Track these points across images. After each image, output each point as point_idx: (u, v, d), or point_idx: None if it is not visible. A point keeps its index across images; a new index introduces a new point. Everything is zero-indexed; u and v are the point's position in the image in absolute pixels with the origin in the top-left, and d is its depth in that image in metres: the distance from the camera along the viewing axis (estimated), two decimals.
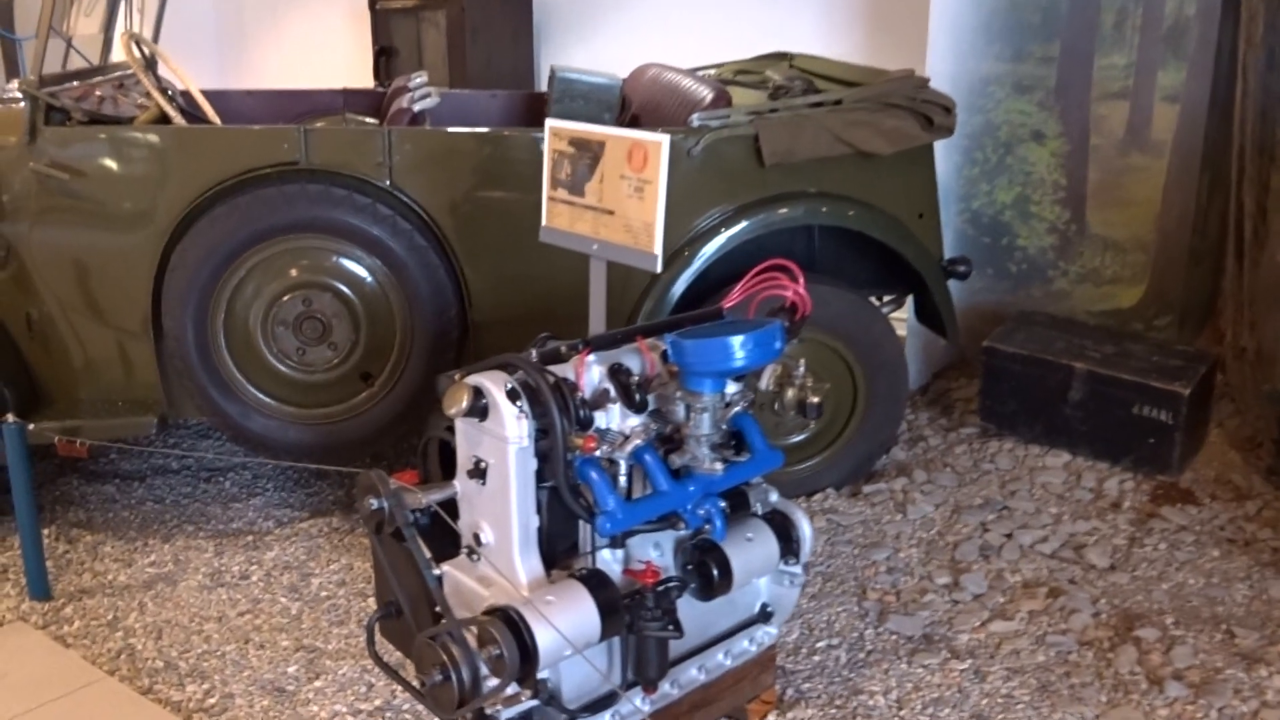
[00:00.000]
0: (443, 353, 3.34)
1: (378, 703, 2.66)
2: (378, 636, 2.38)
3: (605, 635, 1.96)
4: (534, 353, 2.07)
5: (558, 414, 1.93)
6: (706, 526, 2.17)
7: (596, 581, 1.98)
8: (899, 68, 4.17)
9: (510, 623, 1.86)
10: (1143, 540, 3.36)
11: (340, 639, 2.93)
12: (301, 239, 3.20)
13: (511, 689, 1.93)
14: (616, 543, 2.14)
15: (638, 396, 2.07)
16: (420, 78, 4.05)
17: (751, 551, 2.24)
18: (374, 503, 2.10)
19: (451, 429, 2.25)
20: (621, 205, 2.00)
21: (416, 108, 3.46)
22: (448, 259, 3.30)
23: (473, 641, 1.96)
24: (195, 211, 3.14)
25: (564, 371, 2.08)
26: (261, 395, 3.29)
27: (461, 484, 2.11)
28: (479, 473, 2.02)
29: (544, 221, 2.19)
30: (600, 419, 2.06)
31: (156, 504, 3.70)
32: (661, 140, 1.90)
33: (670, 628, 2.06)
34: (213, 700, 2.69)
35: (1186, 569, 3.21)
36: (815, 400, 2.18)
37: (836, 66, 4.18)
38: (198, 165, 3.15)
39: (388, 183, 3.22)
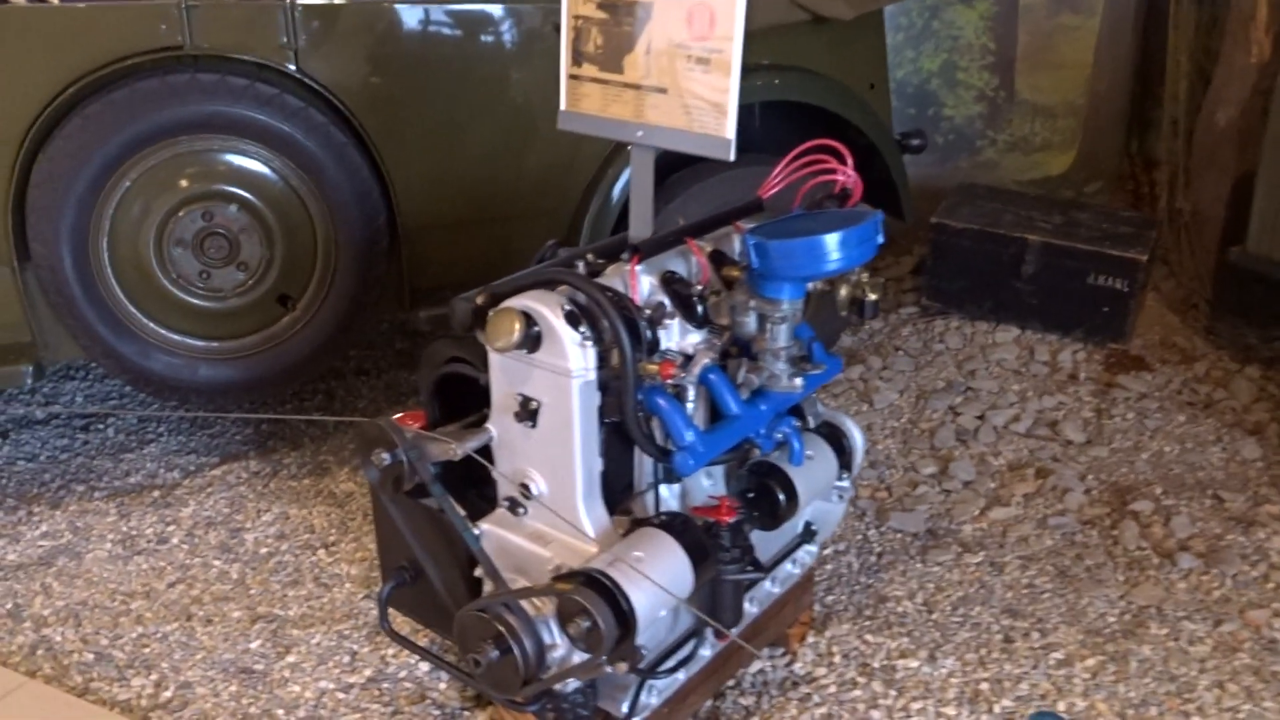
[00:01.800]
0: (372, 266, 2.91)
1: (368, 673, 2.33)
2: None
3: (698, 586, 1.70)
4: (581, 265, 1.73)
5: (627, 338, 1.61)
6: (776, 451, 1.92)
7: (681, 526, 1.70)
8: None
9: (600, 588, 1.57)
10: (1110, 411, 3.34)
11: (300, 603, 2.56)
12: (195, 140, 2.67)
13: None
14: (673, 476, 1.86)
15: (699, 308, 1.77)
16: None
17: (813, 470, 2.01)
18: (387, 457, 1.74)
19: (464, 360, 1.90)
20: (678, 81, 1.65)
21: None
22: (370, 157, 2.85)
23: (532, 610, 1.67)
24: (58, 112, 2.56)
25: (610, 284, 1.75)
26: (162, 329, 2.78)
27: (499, 427, 1.78)
28: (529, 414, 1.69)
29: (563, 105, 1.82)
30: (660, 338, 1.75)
31: (30, 463, 3.16)
32: None
33: (751, 567, 1.82)
34: (168, 693, 2.29)
35: (1159, 437, 3.20)
36: (874, 298, 1.93)
37: None
38: (53, 54, 2.54)
39: (294, 67, 2.71)
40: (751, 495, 1.96)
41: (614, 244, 1.96)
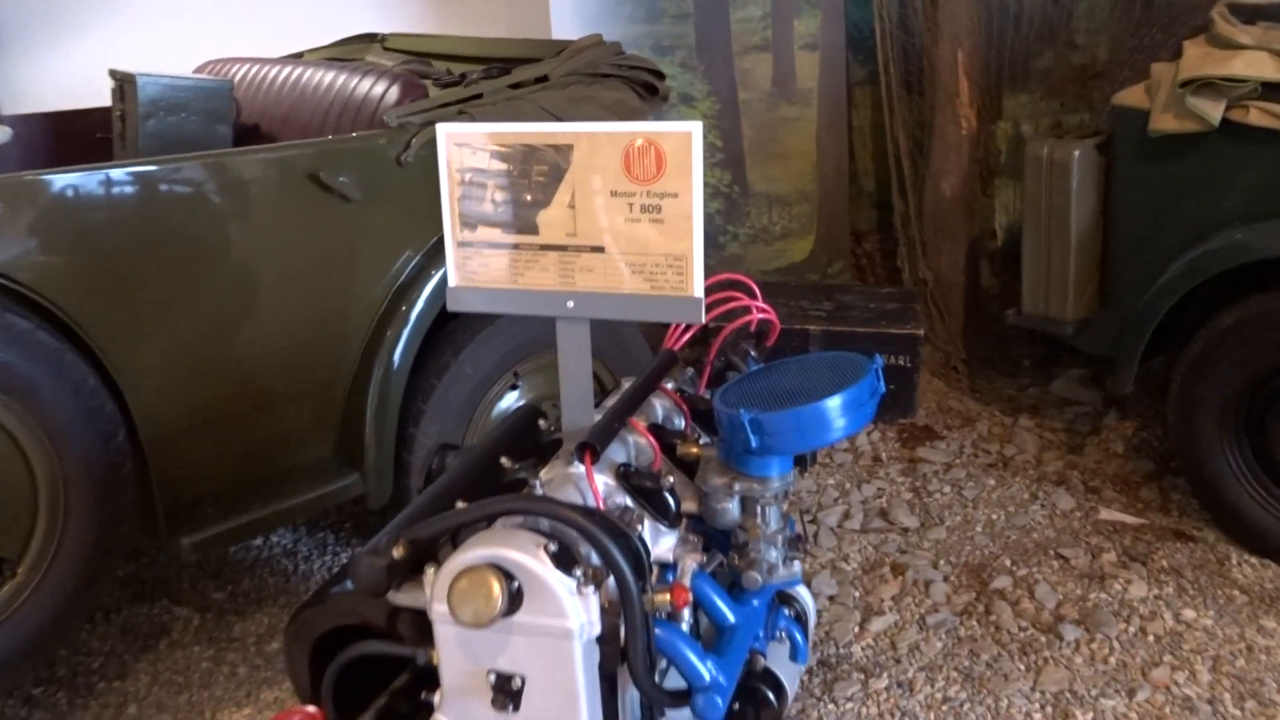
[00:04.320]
0: (116, 497, 2.27)
1: None
2: None
3: None
4: (536, 483, 1.34)
5: (629, 571, 1.24)
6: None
7: None
8: (514, 38, 3.71)
9: None
10: (926, 488, 3.33)
11: None
12: None
13: None
14: (659, 714, 1.49)
15: (671, 504, 1.43)
16: None
17: (786, 653, 1.72)
18: None
19: (369, 632, 1.43)
20: (621, 235, 1.33)
21: None
22: (95, 359, 2.23)
23: None
24: None
25: (562, 494, 1.37)
26: None
27: (458, 718, 1.32)
28: (509, 695, 1.26)
29: (453, 281, 1.42)
30: None
31: None
32: (692, 129, 1.28)
33: None
34: None
35: (982, 505, 3.22)
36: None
37: (451, 42, 3.60)
38: None
39: None
40: (737, 705, 1.62)
41: (512, 436, 1.58)
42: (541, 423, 1.62)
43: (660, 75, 3.08)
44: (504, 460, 1.48)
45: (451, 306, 1.43)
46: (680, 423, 1.67)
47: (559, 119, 2.83)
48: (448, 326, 2.78)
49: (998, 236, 3.95)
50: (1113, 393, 3.22)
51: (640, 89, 3.02)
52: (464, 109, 2.70)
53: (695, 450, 1.51)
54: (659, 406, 1.65)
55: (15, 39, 4.78)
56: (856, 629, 2.70)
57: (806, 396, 1.38)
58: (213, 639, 2.81)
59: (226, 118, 3.00)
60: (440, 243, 2.69)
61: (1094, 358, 3.75)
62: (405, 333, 2.66)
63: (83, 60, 4.69)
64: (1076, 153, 2.93)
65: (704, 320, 1.35)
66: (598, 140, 1.32)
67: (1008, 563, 2.93)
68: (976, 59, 3.70)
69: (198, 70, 3.65)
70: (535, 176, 1.35)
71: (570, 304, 1.38)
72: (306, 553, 3.22)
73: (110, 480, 2.24)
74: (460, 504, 1.37)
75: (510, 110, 2.75)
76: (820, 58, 3.92)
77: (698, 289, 1.33)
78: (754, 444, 1.35)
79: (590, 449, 1.38)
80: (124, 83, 2.93)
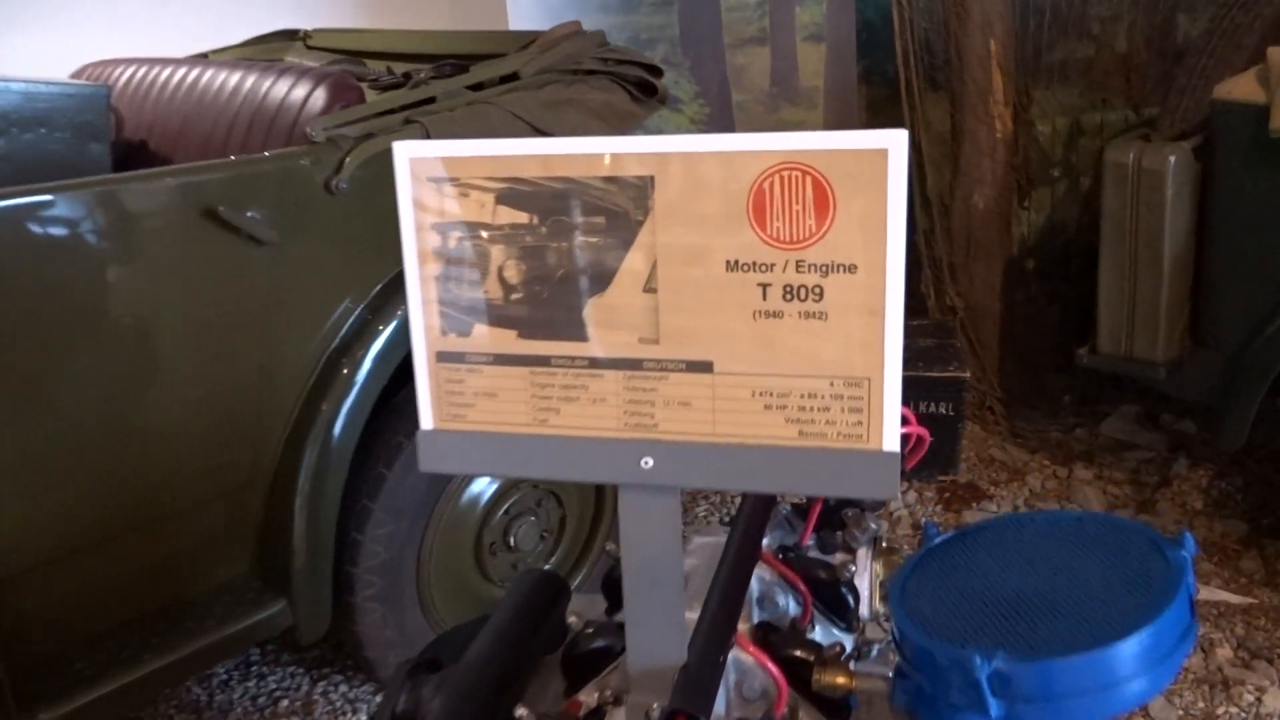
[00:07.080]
0: None
1: None
2: None
3: None
4: None
5: None
6: None
7: None
8: (468, 31, 3.09)
9: None
10: None
11: None
12: None
13: None
14: None
15: None
16: None
17: None
18: None
19: None
20: (744, 341, 0.73)
21: None
22: None
23: None
24: None
25: None
26: None
27: None
28: None
29: (428, 421, 0.81)
30: None
31: None
32: (889, 144, 0.68)
33: None
34: None
35: None
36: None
37: (390, 38, 2.98)
38: None
39: None
40: None
41: (524, 638, 0.96)
42: (572, 619, 1.00)
43: (657, 71, 2.48)
44: (521, 713, 0.87)
45: (425, 465, 0.81)
46: (790, 606, 1.07)
47: (536, 129, 2.21)
48: (398, 396, 2.16)
49: (1035, 256, 3.42)
50: (1225, 450, 2.69)
51: (633, 88, 2.42)
52: (412, 117, 2.07)
53: (844, 681, 0.91)
54: (754, 581, 1.05)
55: None
56: None
57: (1075, 621, 0.78)
58: None
59: (103, 134, 2.33)
60: (389, 287, 2.09)
61: (1147, 391, 3.23)
62: (345, 407, 2.03)
63: None
64: (1173, 159, 2.39)
65: (896, 494, 0.75)
66: (703, 166, 0.71)
67: None
68: (1010, 49, 3.16)
69: (74, 75, 2.97)
70: (582, 235, 0.74)
71: (648, 462, 0.77)
72: (225, 676, 2.57)
73: None
74: None
75: (476, 118, 2.13)
76: (827, 51, 3.35)
77: (889, 439, 0.73)
78: (995, 713, 0.75)
79: (681, 715, 0.77)
80: None
